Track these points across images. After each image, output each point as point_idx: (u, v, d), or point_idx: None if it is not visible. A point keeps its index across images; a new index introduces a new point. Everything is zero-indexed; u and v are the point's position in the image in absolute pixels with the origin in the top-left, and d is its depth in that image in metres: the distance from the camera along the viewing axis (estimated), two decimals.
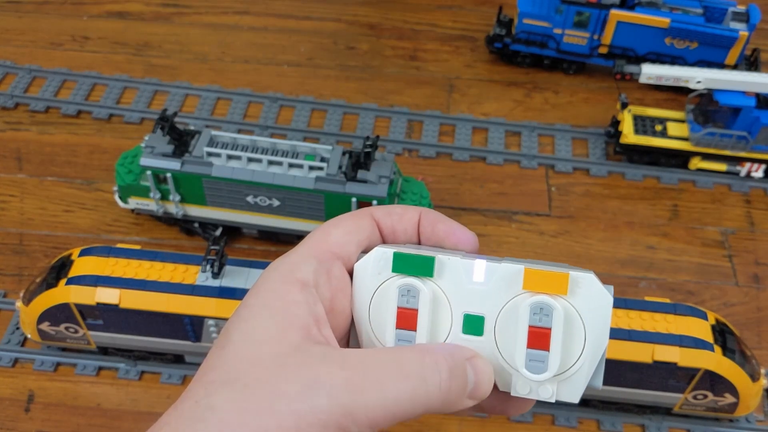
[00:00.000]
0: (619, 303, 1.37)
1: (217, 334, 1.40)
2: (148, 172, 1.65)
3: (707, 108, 1.94)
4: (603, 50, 2.22)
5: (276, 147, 1.66)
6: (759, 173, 1.99)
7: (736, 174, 2.01)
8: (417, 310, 0.50)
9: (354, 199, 1.60)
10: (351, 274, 0.52)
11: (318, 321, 0.48)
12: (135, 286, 1.38)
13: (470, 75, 2.30)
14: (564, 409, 1.51)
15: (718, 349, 1.36)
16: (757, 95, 1.88)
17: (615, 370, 1.37)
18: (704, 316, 1.40)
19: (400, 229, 0.54)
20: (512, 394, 0.50)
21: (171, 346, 1.48)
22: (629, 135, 1.97)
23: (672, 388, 1.40)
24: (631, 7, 2.12)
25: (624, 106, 1.99)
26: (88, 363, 1.55)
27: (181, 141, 1.66)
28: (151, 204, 1.73)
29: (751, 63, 2.19)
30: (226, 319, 1.39)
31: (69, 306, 1.40)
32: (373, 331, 0.51)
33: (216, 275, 1.38)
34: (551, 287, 0.48)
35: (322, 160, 1.63)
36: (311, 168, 1.61)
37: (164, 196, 1.71)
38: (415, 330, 0.50)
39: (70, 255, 1.47)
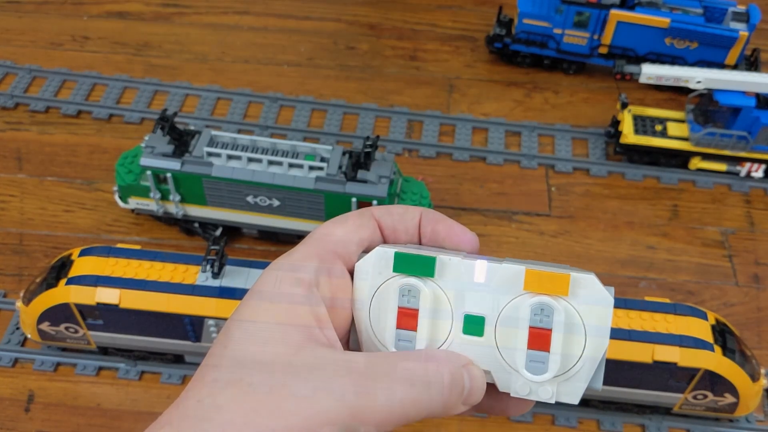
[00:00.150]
0: (619, 303, 1.38)
1: (218, 334, 1.40)
2: (148, 172, 1.65)
3: (707, 108, 1.94)
4: (603, 50, 2.22)
5: (276, 147, 1.66)
6: (759, 173, 1.99)
7: (736, 174, 2.01)
8: (418, 310, 0.50)
9: (354, 199, 1.60)
10: (352, 273, 0.52)
11: (320, 321, 0.48)
12: (135, 286, 1.38)
13: (470, 75, 2.30)
14: (564, 409, 1.51)
15: (718, 349, 1.36)
16: (757, 95, 1.88)
17: (615, 370, 1.37)
18: (704, 316, 1.40)
19: (401, 229, 0.54)
20: (512, 394, 0.50)
21: (171, 346, 1.48)
22: (629, 135, 1.97)
23: (672, 388, 1.40)
24: (631, 7, 2.12)
25: (624, 106, 1.99)
26: (88, 363, 1.55)
27: (181, 141, 1.66)
28: (151, 204, 1.73)
29: (751, 63, 2.19)
30: (226, 319, 1.39)
31: (69, 306, 1.40)
32: (373, 331, 0.51)
33: (216, 275, 1.38)
34: (552, 288, 0.48)
35: (322, 160, 1.63)
36: (311, 168, 1.61)
37: (164, 196, 1.71)
38: (416, 330, 0.50)
39: (70, 255, 1.47)
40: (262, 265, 1.41)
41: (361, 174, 1.60)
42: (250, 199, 1.67)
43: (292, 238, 1.75)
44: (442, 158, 2.04)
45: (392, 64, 2.32)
